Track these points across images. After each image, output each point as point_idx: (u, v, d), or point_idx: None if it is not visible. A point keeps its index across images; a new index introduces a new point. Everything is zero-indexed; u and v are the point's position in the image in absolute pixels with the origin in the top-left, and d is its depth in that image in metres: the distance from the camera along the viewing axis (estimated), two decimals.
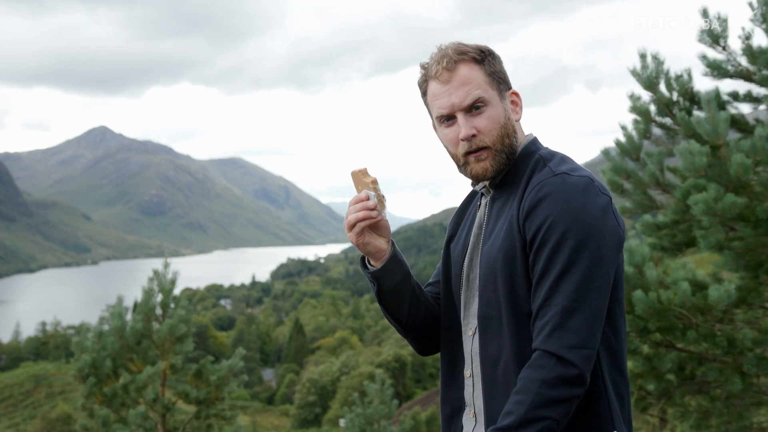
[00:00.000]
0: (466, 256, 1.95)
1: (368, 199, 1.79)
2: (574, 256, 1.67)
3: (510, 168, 1.88)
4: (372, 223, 1.84)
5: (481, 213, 1.95)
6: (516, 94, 1.89)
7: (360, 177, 1.79)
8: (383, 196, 1.80)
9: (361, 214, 1.81)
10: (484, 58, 1.85)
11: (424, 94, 1.91)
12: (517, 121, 1.90)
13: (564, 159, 1.83)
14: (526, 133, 1.94)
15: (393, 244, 1.93)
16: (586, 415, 1.73)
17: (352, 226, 1.82)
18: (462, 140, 1.83)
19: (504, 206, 1.85)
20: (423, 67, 1.89)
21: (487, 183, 1.93)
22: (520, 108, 1.91)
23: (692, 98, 4.98)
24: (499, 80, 1.86)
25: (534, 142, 1.91)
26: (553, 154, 1.85)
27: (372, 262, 1.93)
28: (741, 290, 4.63)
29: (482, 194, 1.98)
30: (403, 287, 1.95)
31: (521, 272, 1.75)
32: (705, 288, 4.78)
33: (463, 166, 1.88)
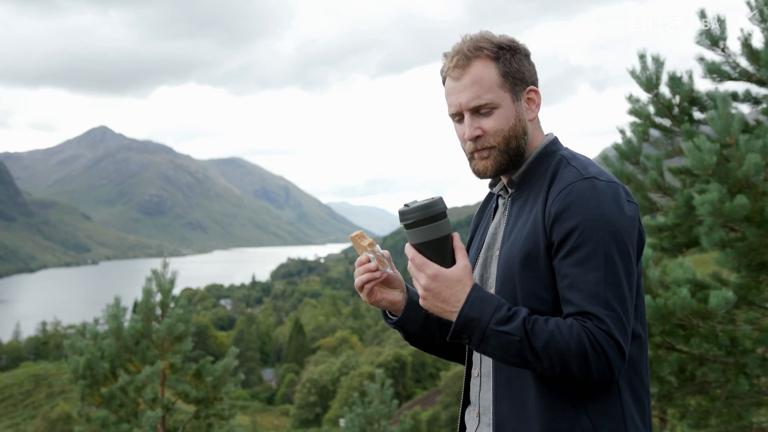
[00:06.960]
0: (480, 255, 1.95)
1: (369, 261, 1.89)
2: (610, 264, 1.65)
3: (529, 167, 1.86)
4: (377, 282, 1.90)
5: (499, 213, 1.94)
6: (535, 91, 1.85)
7: (358, 241, 1.88)
8: (383, 255, 1.89)
9: (364, 277, 1.87)
10: (500, 56, 1.80)
11: (443, 83, 1.90)
12: (532, 120, 1.86)
13: (589, 162, 1.80)
14: (546, 132, 1.91)
15: (408, 290, 1.97)
16: (601, 420, 1.69)
17: (360, 289, 1.90)
18: (467, 140, 1.83)
19: (524, 206, 1.82)
20: (445, 56, 1.87)
21: (504, 183, 1.92)
22: (537, 106, 1.86)
23: (692, 100, 4.95)
24: (515, 80, 1.81)
25: (555, 142, 1.89)
26: (575, 156, 1.82)
27: (392, 313, 1.99)
28: (741, 288, 4.61)
29: (499, 195, 1.97)
30: (428, 326, 1.99)
31: (543, 274, 1.72)
32: (706, 288, 4.76)
33: (469, 161, 1.88)
